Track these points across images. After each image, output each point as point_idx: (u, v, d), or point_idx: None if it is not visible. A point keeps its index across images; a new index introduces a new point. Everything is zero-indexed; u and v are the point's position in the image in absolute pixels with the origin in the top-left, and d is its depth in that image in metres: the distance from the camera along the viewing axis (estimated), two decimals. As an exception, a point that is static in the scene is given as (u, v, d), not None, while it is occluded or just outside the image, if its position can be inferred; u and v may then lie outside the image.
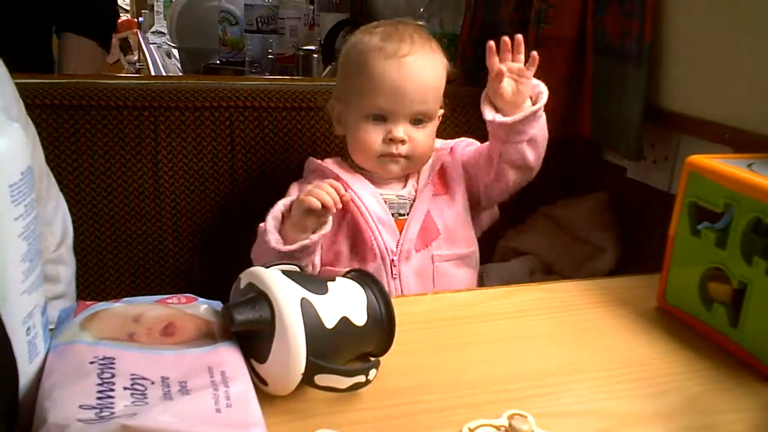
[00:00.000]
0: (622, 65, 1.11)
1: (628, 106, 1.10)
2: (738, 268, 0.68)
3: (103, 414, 0.45)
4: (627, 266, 1.16)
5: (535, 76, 0.96)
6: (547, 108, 0.96)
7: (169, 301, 0.60)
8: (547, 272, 1.22)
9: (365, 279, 0.63)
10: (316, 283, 0.59)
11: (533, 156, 0.98)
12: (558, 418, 0.58)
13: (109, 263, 1.13)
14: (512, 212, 1.23)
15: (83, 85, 1.11)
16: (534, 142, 0.97)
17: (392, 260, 0.98)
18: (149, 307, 0.58)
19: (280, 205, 0.95)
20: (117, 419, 0.45)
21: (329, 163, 1.02)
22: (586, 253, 1.21)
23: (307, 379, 0.54)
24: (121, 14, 4.34)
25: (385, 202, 0.99)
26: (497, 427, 0.55)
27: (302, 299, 0.55)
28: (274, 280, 0.55)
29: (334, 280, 0.61)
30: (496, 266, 1.21)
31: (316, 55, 1.98)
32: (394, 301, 0.62)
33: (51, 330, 0.55)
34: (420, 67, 0.95)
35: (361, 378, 0.56)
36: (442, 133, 1.08)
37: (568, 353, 0.69)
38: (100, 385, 0.48)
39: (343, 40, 2.07)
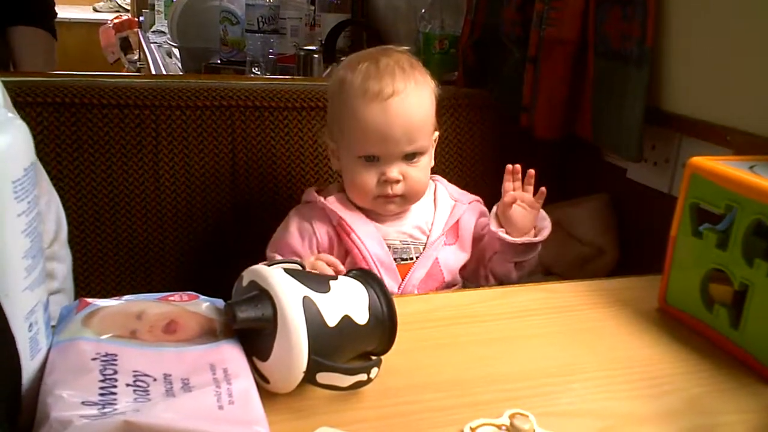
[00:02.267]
0: (624, 67, 1.11)
1: (629, 108, 1.10)
2: (739, 270, 0.68)
3: (105, 410, 0.45)
4: (627, 268, 1.16)
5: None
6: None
7: (171, 298, 0.60)
8: (546, 273, 1.22)
9: (367, 278, 0.63)
10: (319, 281, 0.59)
11: (515, 277, 1.02)
12: (559, 417, 0.58)
13: (111, 261, 1.13)
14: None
15: (85, 83, 1.11)
16: (521, 267, 1.01)
17: None
18: (151, 305, 0.58)
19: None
20: (119, 416, 0.45)
21: (331, 202, 0.99)
22: (586, 254, 1.21)
23: (309, 377, 0.54)
24: (122, 14, 4.34)
25: (389, 247, 0.98)
26: (498, 426, 0.55)
27: (304, 297, 0.55)
28: (277, 278, 0.55)
29: (336, 278, 0.61)
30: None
31: (316, 55, 1.98)
32: (395, 301, 0.62)
33: (53, 327, 0.55)
34: (406, 107, 0.92)
35: (363, 376, 0.56)
36: (443, 134, 1.08)
37: (569, 353, 0.69)
38: (102, 381, 0.48)
39: (344, 40, 2.07)
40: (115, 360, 0.51)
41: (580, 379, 0.64)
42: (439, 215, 1.02)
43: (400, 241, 0.99)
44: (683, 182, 0.75)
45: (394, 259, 0.98)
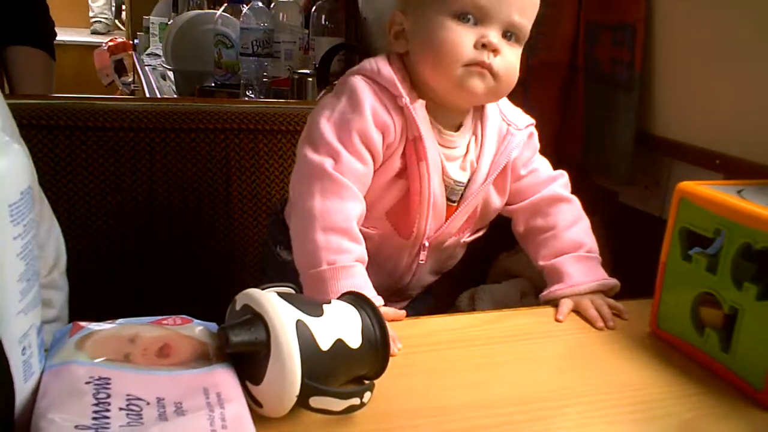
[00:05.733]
0: (614, 92, 1.13)
1: (620, 132, 1.11)
2: (729, 294, 0.68)
3: (98, 434, 0.45)
4: (619, 291, 1.17)
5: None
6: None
7: (165, 322, 0.60)
8: (538, 294, 1.22)
9: (360, 302, 0.63)
10: (312, 305, 0.59)
11: None
12: (551, 441, 0.58)
13: (104, 284, 1.13)
14: (505, 236, 1.24)
15: (79, 106, 1.12)
16: None
17: (423, 244, 0.88)
18: (145, 328, 0.58)
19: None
20: (112, 440, 0.45)
21: (419, 106, 0.80)
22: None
23: (302, 402, 0.54)
24: (117, 37, 4.36)
25: (446, 186, 0.85)
26: (491, 451, 0.55)
27: (298, 321, 0.55)
28: (270, 301, 0.56)
29: (329, 302, 0.61)
30: (488, 288, 1.22)
31: (310, 79, 1.99)
32: (388, 325, 0.62)
33: (45, 351, 0.55)
34: None
35: (356, 400, 0.56)
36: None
37: (562, 377, 0.69)
38: (95, 405, 0.48)
39: (338, 64, 2.09)
40: (108, 384, 0.51)
41: (573, 404, 0.64)
42: (488, 145, 0.87)
43: (455, 181, 0.86)
44: (672, 207, 0.75)
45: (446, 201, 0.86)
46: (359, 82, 0.81)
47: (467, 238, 0.94)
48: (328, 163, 0.78)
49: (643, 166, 1.14)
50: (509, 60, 0.80)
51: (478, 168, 0.87)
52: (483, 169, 0.87)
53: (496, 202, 0.92)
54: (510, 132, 0.88)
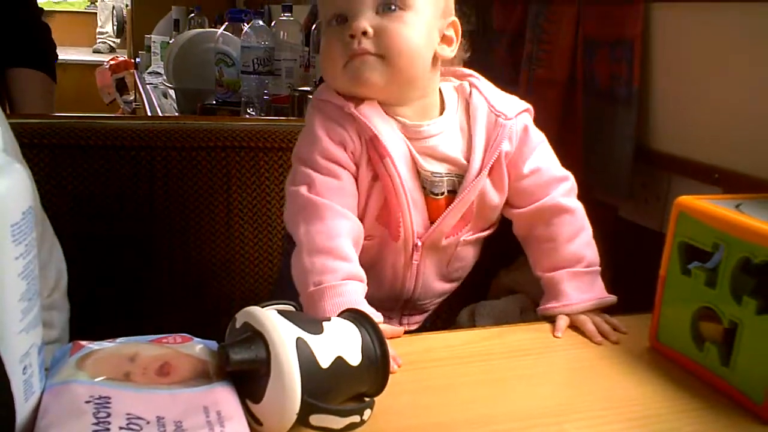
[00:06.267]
0: (612, 107, 1.13)
1: (619, 147, 1.12)
2: (728, 308, 0.69)
3: (98, 454, 0.46)
4: (619, 305, 1.16)
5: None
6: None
7: (165, 340, 0.60)
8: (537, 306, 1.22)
9: (360, 319, 0.63)
10: (312, 322, 0.59)
11: None
12: (552, 458, 0.58)
13: (105, 302, 1.13)
14: (504, 252, 1.24)
15: (81, 125, 1.13)
16: None
17: (415, 244, 0.87)
18: (145, 347, 0.58)
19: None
20: (112, 459, 0.45)
21: (363, 110, 0.81)
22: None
23: (302, 419, 0.54)
24: (118, 56, 4.39)
25: (419, 176, 0.85)
26: (491, 468, 0.55)
27: (297, 339, 0.55)
28: (270, 319, 0.56)
29: (329, 320, 0.62)
30: (488, 304, 1.21)
31: (311, 96, 2.01)
32: (388, 342, 0.62)
33: (46, 370, 0.55)
34: None
35: (356, 418, 0.56)
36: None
37: (562, 393, 0.69)
38: (95, 424, 0.48)
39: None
40: (109, 403, 0.51)
41: (573, 419, 0.64)
42: (478, 137, 0.85)
43: (432, 173, 0.85)
44: (671, 221, 0.76)
45: (424, 194, 0.85)
46: (309, 108, 0.86)
47: (468, 236, 0.91)
48: (303, 189, 0.81)
49: (642, 181, 1.14)
50: (393, 31, 0.78)
51: (470, 162, 0.85)
52: (475, 163, 0.85)
53: (494, 198, 0.89)
54: (499, 123, 0.86)
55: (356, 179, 0.84)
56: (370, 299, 0.77)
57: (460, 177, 0.86)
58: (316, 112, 0.84)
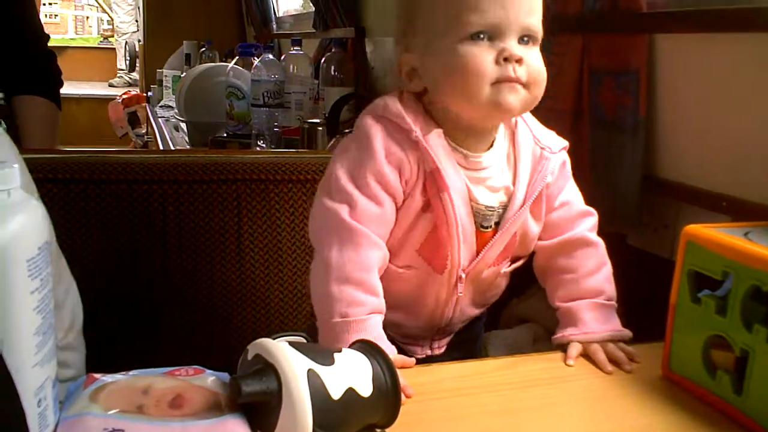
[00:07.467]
0: (619, 136, 1.14)
1: (626, 175, 1.12)
2: (739, 336, 0.68)
3: (112, 487, 0.46)
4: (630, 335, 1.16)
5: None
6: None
7: (177, 373, 0.61)
8: (550, 339, 1.22)
9: (371, 350, 0.64)
10: (323, 354, 0.59)
11: None
12: (565, 489, 0.57)
13: (118, 335, 1.14)
14: (516, 282, 1.24)
15: (93, 160, 1.14)
16: None
17: (460, 276, 0.85)
18: (157, 379, 0.59)
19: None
20: (126, 492, 0.45)
21: (431, 139, 0.79)
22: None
23: (314, 451, 0.54)
24: (131, 90, 4.46)
25: (473, 211, 0.83)
26: (504, 499, 0.55)
27: (309, 370, 0.56)
28: (282, 351, 0.56)
29: (340, 351, 0.62)
30: (500, 333, 1.21)
31: (321, 128, 2.03)
32: (399, 372, 0.62)
33: (60, 403, 0.56)
34: None
35: (367, 449, 0.57)
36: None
37: (575, 423, 0.69)
38: (109, 457, 0.49)
39: (347, 113, 2.12)
40: (122, 435, 0.51)
41: (585, 449, 0.64)
42: (522, 169, 0.85)
43: (485, 206, 0.83)
44: (680, 250, 0.76)
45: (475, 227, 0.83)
46: (369, 122, 0.81)
47: (507, 268, 0.91)
48: (343, 210, 0.78)
49: (651, 209, 1.14)
50: (533, 64, 0.78)
51: (514, 193, 0.85)
52: (519, 194, 0.85)
53: (534, 229, 0.89)
54: (544, 156, 0.86)
55: (399, 209, 0.81)
56: (407, 328, 0.77)
57: (503, 208, 0.85)
58: (379, 127, 0.80)
